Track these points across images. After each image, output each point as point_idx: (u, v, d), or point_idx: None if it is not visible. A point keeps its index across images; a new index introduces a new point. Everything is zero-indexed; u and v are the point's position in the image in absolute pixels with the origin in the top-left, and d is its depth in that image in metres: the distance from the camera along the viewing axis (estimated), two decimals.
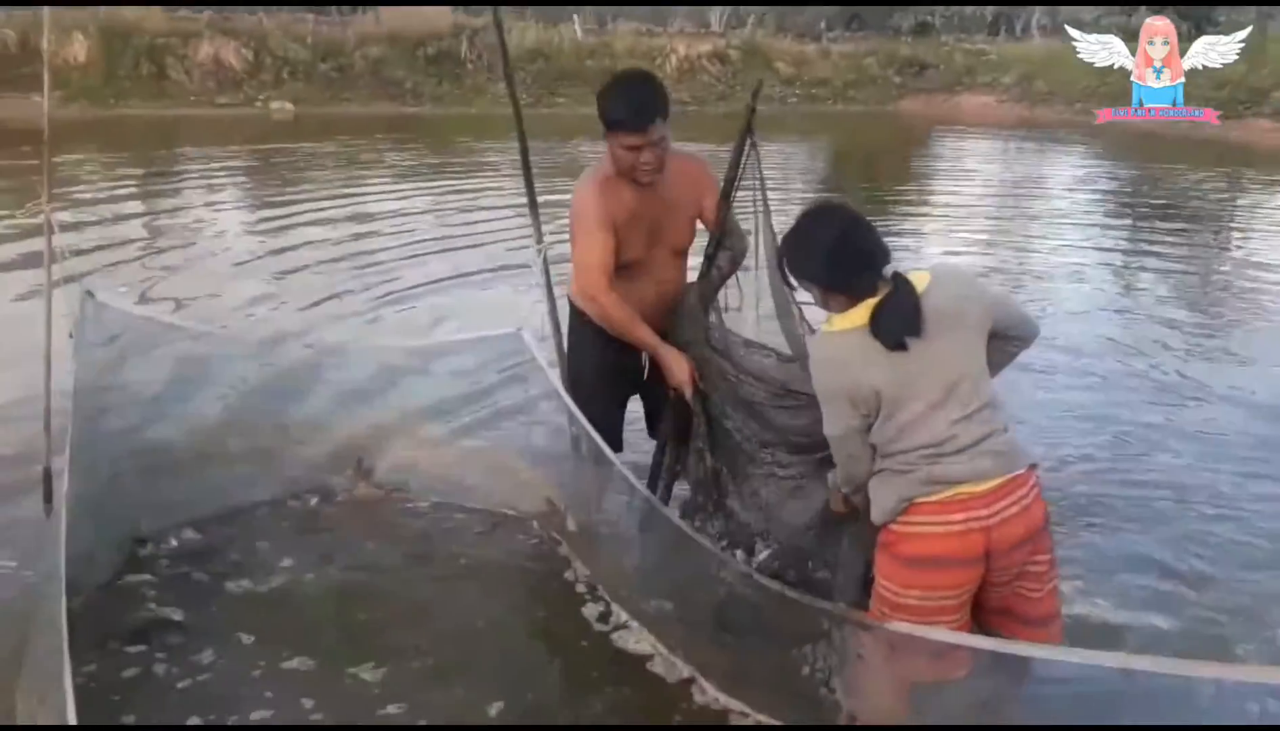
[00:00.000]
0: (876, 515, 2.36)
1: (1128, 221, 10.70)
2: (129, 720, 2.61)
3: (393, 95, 18.61)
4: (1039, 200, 11.90)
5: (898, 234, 9.57)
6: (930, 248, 8.99)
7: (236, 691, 2.74)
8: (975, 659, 2.23)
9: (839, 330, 2.32)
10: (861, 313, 2.27)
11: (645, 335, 2.98)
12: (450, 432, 4.34)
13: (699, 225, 3.13)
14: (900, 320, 2.23)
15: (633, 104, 2.84)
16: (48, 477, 3.59)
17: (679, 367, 2.96)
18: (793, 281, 2.48)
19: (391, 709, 2.69)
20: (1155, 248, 9.03)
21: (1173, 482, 4.10)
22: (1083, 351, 5.74)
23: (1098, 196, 12.31)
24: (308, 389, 4.44)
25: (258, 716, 2.64)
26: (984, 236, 9.51)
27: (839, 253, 2.34)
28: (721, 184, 3.01)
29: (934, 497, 2.26)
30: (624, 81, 2.99)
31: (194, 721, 2.61)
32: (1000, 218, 10.82)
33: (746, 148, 2.92)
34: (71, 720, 1.74)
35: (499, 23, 4.26)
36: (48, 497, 3.59)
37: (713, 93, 20.92)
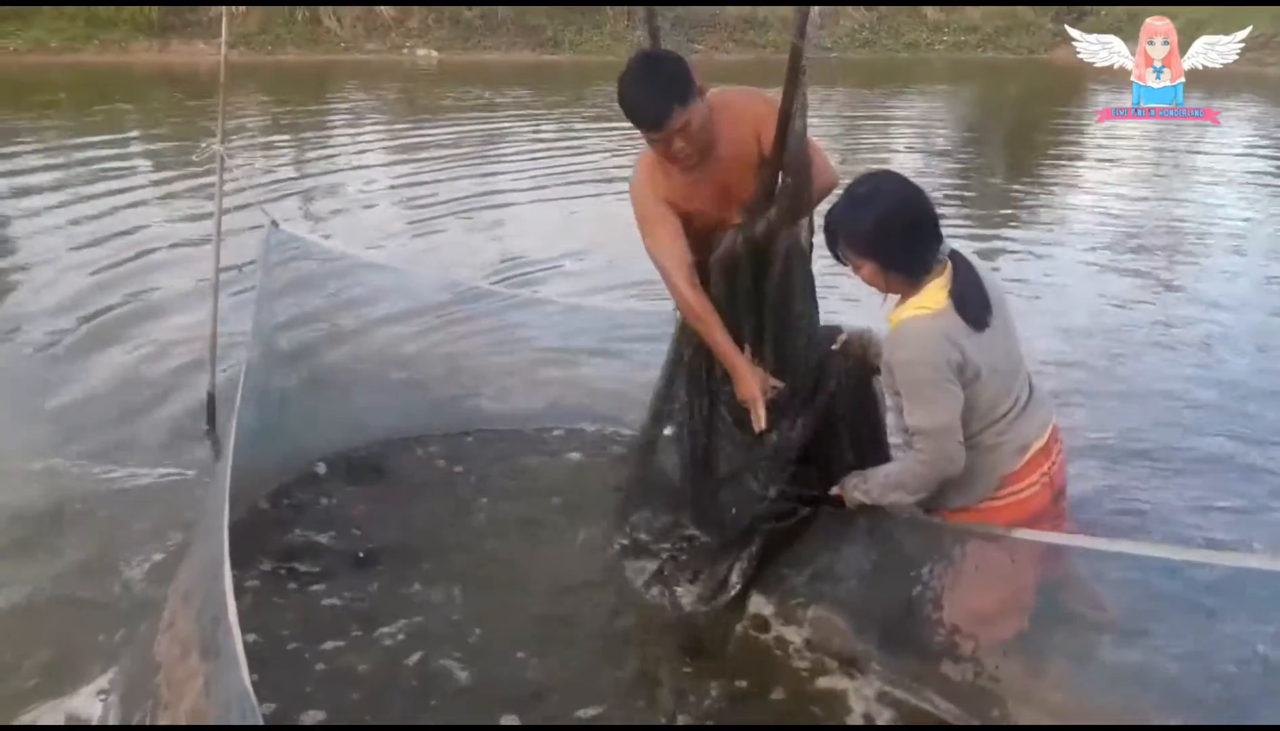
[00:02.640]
0: (959, 498, 2.34)
1: None
2: (276, 635, 2.72)
3: (533, 44, 18.76)
4: (1197, 156, 11.18)
5: (1047, 185, 9.21)
6: (1076, 198, 8.64)
7: (379, 612, 2.84)
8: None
9: (929, 312, 2.18)
10: (938, 294, 2.19)
11: (722, 341, 2.67)
12: (600, 371, 4.32)
13: None
14: (980, 299, 2.21)
15: (639, 105, 2.47)
16: (210, 401, 3.86)
17: (748, 384, 2.66)
18: (843, 256, 2.26)
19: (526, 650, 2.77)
20: None
21: None
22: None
23: (1268, 153, 11.50)
24: (472, 326, 4.47)
25: (400, 637, 2.74)
26: (1136, 190, 8.97)
27: (903, 227, 2.19)
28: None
29: (1018, 466, 2.29)
30: (629, 78, 2.50)
31: (329, 645, 2.72)
32: (1155, 170, 10.22)
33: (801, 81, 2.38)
34: (234, 629, 1.82)
35: None
36: (210, 420, 3.87)
37: (856, 40, 20.34)
